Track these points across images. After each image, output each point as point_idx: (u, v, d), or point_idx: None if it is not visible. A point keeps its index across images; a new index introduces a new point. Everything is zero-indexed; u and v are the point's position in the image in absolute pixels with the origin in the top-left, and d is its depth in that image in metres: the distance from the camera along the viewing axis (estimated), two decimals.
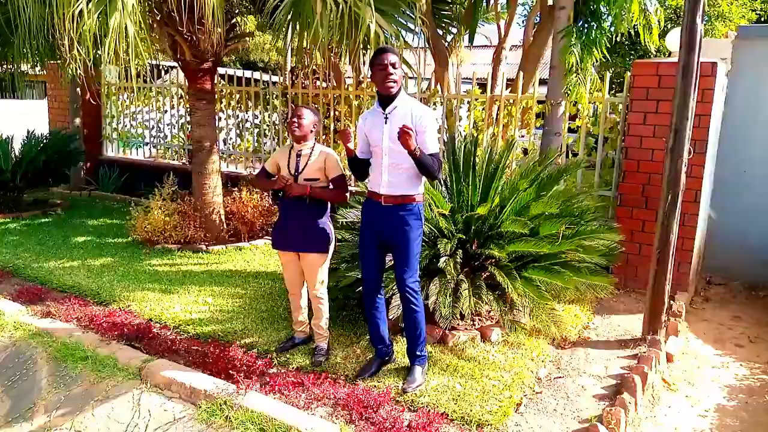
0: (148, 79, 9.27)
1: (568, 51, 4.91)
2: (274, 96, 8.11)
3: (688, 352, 4.23)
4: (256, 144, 8.42)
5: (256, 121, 8.39)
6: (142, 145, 9.69)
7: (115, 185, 9.35)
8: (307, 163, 3.62)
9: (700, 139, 4.82)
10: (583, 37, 4.92)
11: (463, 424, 3.05)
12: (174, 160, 9.42)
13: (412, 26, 4.79)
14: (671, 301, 4.54)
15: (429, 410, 3.12)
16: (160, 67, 11.65)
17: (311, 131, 3.65)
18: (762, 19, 10.08)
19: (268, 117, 8.23)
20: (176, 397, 3.31)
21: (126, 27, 4.15)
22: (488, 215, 3.94)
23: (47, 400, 3.47)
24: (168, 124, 9.44)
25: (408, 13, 4.88)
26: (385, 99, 3.29)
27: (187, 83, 6.52)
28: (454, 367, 3.63)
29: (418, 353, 3.47)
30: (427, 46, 7.09)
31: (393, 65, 3.18)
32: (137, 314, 4.39)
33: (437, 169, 3.24)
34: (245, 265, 5.67)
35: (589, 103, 5.34)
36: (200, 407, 3.14)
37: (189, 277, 5.29)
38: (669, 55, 5.55)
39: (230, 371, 3.47)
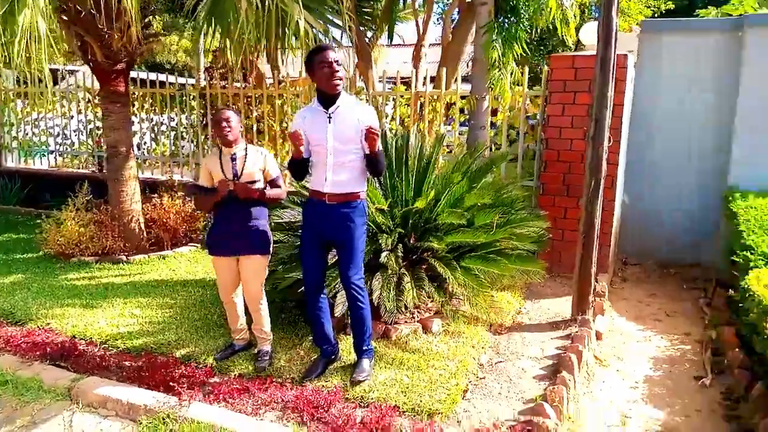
0: (48, 84, 8.69)
1: (490, 46, 5.06)
2: (192, 97, 7.84)
3: (614, 329, 4.47)
4: (173, 148, 8.10)
5: (173, 124, 8.07)
6: (46, 153, 9.08)
7: (18, 198, 8.71)
8: (244, 165, 3.51)
9: (615, 128, 5.09)
10: (504, 33, 5.08)
11: (414, 415, 3.07)
12: (82, 168, 8.89)
13: (339, 23, 4.75)
14: (595, 282, 4.78)
15: (380, 404, 3.12)
16: (59, 71, 10.99)
17: (240, 131, 3.55)
18: (655, 15, 10.79)
19: (185, 119, 7.94)
20: (112, 415, 3.14)
21: (37, 25, 3.86)
22: (425, 209, 3.99)
23: None
24: (75, 131, 8.90)
25: (335, 9, 4.84)
26: (328, 98, 3.23)
27: (98, 86, 6.16)
28: (400, 360, 3.65)
29: (365, 348, 3.47)
30: (350, 44, 7.09)
31: (337, 62, 3.14)
32: (59, 332, 4.11)
33: (384, 166, 3.27)
34: (171, 274, 5.44)
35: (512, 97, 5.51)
36: (141, 423, 2.99)
37: (111, 289, 5.01)
38: (577, 49, 5.83)
39: (170, 383, 3.32)
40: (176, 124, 7.96)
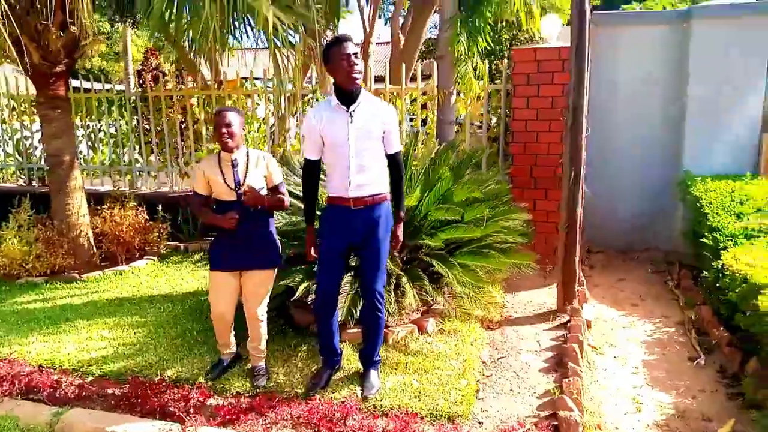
0: None
1: (456, 40, 5.02)
2: (131, 101, 7.38)
3: (598, 316, 4.54)
4: (113, 156, 7.59)
5: (111, 131, 7.57)
6: None
7: None
8: (247, 171, 3.28)
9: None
10: (469, 26, 5.05)
11: (434, 420, 2.98)
12: (8, 182, 8.20)
13: (307, 16, 4.54)
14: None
15: (398, 412, 3.00)
16: None
17: (241, 135, 3.30)
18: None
19: (126, 125, 7.47)
20: None
21: None
22: (414, 206, 3.90)
23: None
24: None
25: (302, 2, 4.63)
26: (347, 94, 3.02)
27: (35, 90, 5.66)
28: (404, 363, 3.54)
29: (375, 358, 3.34)
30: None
31: (356, 55, 2.93)
32: (24, 362, 3.72)
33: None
34: (133, 290, 5.08)
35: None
36: None
37: (71, 311, 4.62)
38: (531, 42, 5.91)
39: (166, 409, 3.07)
40: (116, 131, 7.48)
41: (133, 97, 7.40)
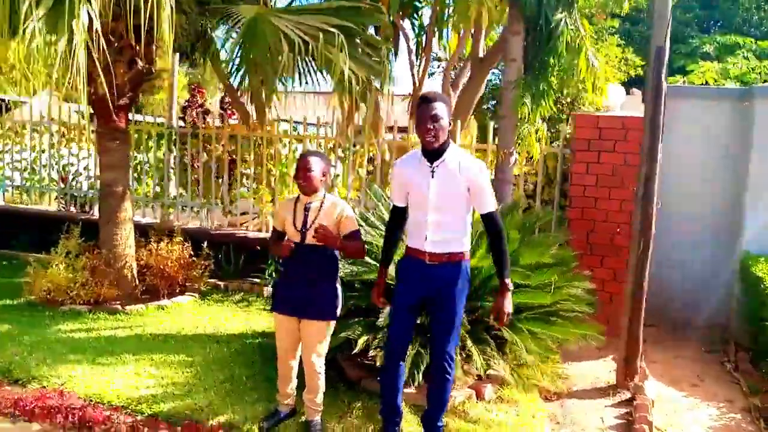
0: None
1: (520, 102, 5.03)
2: (180, 135, 7.46)
3: (658, 395, 4.35)
4: (157, 189, 7.63)
5: (159, 164, 7.64)
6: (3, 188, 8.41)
7: None
8: (316, 217, 3.24)
9: None
10: (533, 89, 5.07)
11: None
12: (47, 206, 8.25)
13: (378, 69, 4.61)
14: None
15: None
16: (4, 101, 10.34)
17: (321, 180, 3.27)
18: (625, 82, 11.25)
19: (174, 159, 7.54)
20: None
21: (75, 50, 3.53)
22: (479, 267, 3.81)
23: None
24: (44, 166, 8.28)
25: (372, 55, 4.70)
26: (429, 151, 3.01)
27: (96, 120, 5.74)
28: (465, 431, 3.39)
29: (439, 423, 3.20)
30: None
31: (434, 117, 2.90)
32: (73, 394, 3.62)
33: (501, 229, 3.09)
34: (177, 327, 5.00)
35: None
36: None
37: (115, 343, 4.54)
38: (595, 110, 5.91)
39: None
40: (163, 164, 7.55)
41: (180, 132, 7.46)
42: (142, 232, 6.43)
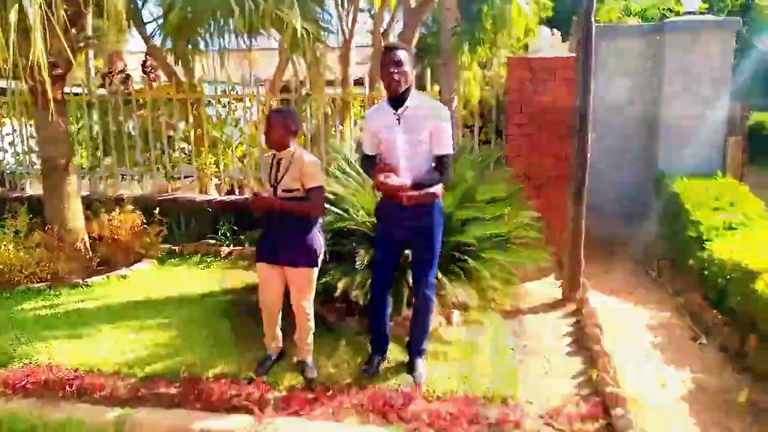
0: None
1: (459, 49, 5.29)
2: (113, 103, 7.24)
3: (599, 304, 4.90)
4: (92, 159, 7.42)
5: (92, 134, 7.41)
6: None
7: None
8: (285, 173, 3.40)
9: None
10: (469, 37, 5.33)
11: (488, 402, 3.21)
12: None
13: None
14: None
15: (456, 397, 3.22)
16: None
17: (288, 136, 3.40)
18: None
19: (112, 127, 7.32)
20: None
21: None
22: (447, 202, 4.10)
23: None
24: None
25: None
26: (394, 99, 3.21)
27: (33, 93, 5.50)
28: (443, 353, 3.77)
29: (423, 348, 3.54)
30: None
31: (397, 63, 3.10)
32: (63, 367, 3.69)
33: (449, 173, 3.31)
34: (143, 293, 5.05)
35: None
36: None
37: (86, 316, 4.57)
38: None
39: (232, 405, 3.17)
40: (96, 134, 7.33)
41: (113, 100, 7.24)
42: (86, 204, 6.32)
